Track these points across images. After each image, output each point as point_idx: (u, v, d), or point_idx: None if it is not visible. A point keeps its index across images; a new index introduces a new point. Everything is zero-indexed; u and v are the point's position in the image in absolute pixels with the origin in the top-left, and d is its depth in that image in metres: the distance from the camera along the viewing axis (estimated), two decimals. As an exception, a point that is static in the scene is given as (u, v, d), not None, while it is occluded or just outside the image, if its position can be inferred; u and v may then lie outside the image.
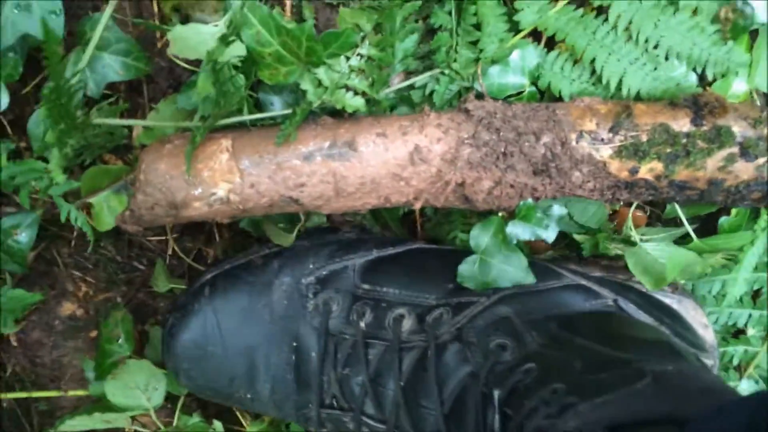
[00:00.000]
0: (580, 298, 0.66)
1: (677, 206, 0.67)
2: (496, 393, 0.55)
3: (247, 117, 0.64)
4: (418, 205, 0.63)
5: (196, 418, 0.80)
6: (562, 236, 0.73)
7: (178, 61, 0.72)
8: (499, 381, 0.57)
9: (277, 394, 0.71)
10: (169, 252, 0.81)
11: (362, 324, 0.68)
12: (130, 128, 0.70)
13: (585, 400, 0.50)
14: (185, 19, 0.65)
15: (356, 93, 0.62)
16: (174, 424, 0.80)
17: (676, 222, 0.72)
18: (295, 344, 0.70)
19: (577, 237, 0.68)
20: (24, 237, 0.68)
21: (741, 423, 0.39)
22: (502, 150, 0.59)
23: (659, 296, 0.68)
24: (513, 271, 0.64)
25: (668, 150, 0.58)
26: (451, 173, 0.60)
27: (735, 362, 0.76)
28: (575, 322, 0.63)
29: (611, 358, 0.56)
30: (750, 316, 0.74)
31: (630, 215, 0.68)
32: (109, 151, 0.76)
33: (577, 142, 0.59)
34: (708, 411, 0.43)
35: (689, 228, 0.67)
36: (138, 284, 0.84)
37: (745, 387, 0.77)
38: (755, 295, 0.75)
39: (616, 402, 0.49)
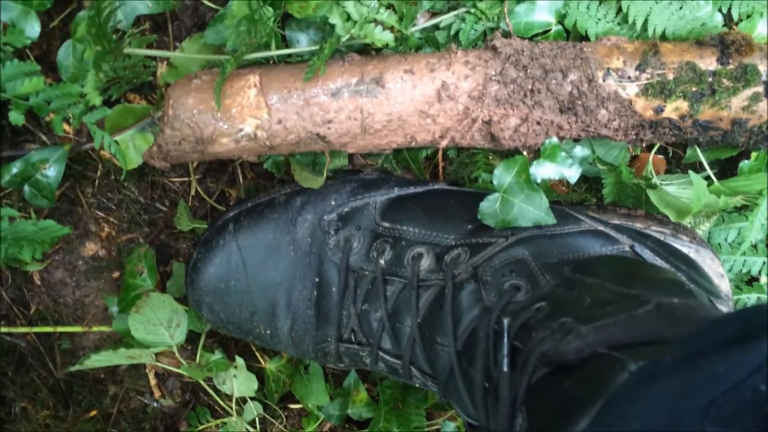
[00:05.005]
0: (597, 243, 0.67)
1: (697, 149, 0.68)
2: (506, 321, 0.56)
3: (275, 52, 0.64)
4: (443, 144, 0.64)
5: (218, 355, 0.82)
6: (582, 180, 0.73)
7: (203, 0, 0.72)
8: (510, 316, 0.59)
9: (297, 330, 0.73)
10: (192, 193, 0.82)
11: (382, 261, 0.69)
12: (154, 67, 0.71)
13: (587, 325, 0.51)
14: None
15: (385, 28, 0.62)
16: (196, 360, 0.82)
17: (694, 168, 0.73)
18: (317, 280, 0.71)
19: (600, 166, 0.68)
20: (52, 171, 0.69)
21: (732, 334, 0.39)
22: (530, 87, 0.60)
23: (677, 245, 0.69)
24: (534, 210, 0.65)
25: (694, 88, 0.59)
26: (478, 110, 0.61)
27: (747, 309, 0.76)
28: (589, 264, 0.64)
29: (620, 294, 0.57)
30: (764, 263, 0.75)
31: (651, 159, 0.69)
32: (133, 90, 0.77)
33: (603, 80, 0.59)
34: (700, 328, 0.43)
35: (709, 170, 0.67)
36: (160, 225, 0.85)
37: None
38: (770, 242, 0.75)
39: (616, 324, 0.50)
